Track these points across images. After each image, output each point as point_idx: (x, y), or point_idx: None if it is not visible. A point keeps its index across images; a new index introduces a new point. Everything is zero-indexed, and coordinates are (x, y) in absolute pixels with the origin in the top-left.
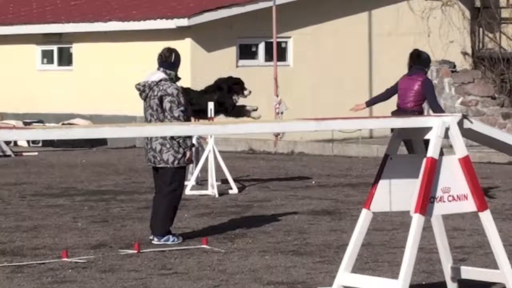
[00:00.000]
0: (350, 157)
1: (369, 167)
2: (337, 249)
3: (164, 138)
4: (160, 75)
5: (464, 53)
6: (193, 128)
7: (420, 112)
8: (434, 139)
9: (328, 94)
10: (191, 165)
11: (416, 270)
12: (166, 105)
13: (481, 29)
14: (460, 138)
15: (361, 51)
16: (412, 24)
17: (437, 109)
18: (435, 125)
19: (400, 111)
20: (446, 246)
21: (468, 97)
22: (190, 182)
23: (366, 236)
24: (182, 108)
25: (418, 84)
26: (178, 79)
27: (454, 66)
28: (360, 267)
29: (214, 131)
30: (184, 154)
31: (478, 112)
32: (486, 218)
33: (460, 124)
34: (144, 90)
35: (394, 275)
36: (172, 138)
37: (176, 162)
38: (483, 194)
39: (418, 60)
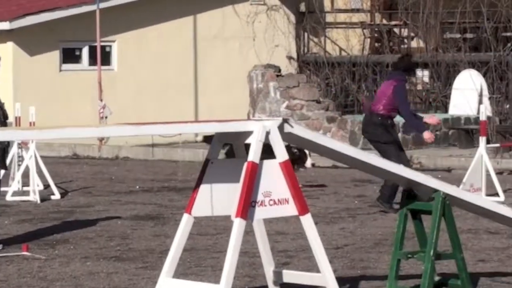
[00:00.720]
0: (175, 162)
1: (194, 172)
2: (160, 254)
3: None
4: None
5: (290, 57)
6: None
7: (387, 117)
8: (255, 143)
9: (153, 98)
10: (13, 171)
11: (239, 274)
12: None
13: (306, 34)
14: (281, 142)
15: (186, 55)
16: (237, 28)
17: (406, 114)
18: (255, 129)
19: (368, 114)
20: (268, 250)
21: (293, 101)
22: (11, 188)
23: (189, 241)
24: None
25: (391, 88)
26: None
27: (280, 70)
28: (183, 272)
29: (29, 136)
30: None
31: (303, 116)
32: (307, 222)
33: (280, 128)
34: None
35: (217, 279)
36: None
37: None
38: (304, 198)
39: (398, 65)
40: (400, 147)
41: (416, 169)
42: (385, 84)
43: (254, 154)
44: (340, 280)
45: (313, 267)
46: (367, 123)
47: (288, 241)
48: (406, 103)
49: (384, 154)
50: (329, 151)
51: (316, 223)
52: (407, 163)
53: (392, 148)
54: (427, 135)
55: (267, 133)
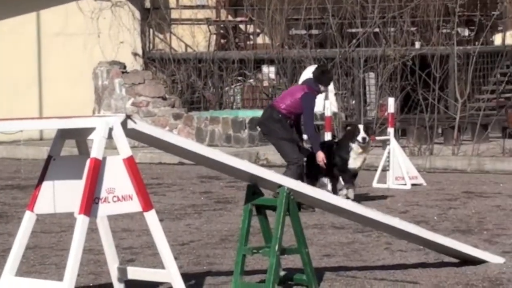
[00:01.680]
0: (19, 159)
1: (38, 169)
2: (3, 252)
3: None
4: None
5: (135, 54)
6: None
7: (287, 117)
8: (98, 139)
9: (1, 95)
10: None
11: (83, 271)
12: None
13: (151, 30)
14: (124, 138)
15: (29, 52)
16: (81, 25)
17: (309, 125)
18: (98, 126)
19: (269, 108)
20: (112, 247)
21: (139, 98)
22: None
23: (33, 238)
24: None
25: (301, 93)
26: None
27: (125, 67)
28: (27, 270)
29: None
30: None
31: (149, 113)
32: (151, 218)
33: (124, 124)
34: None
35: (61, 277)
36: None
37: None
38: (148, 194)
39: (319, 79)
40: (298, 146)
41: (263, 166)
42: (296, 87)
43: (97, 151)
44: (185, 276)
45: (158, 264)
46: (267, 117)
47: (133, 238)
48: (312, 114)
49: (279, 149)
50: (174, 147)
51: (161, 220)
52: (301, 160)
53: (288, 145)
54: (320, 156)
55: (110, 129)
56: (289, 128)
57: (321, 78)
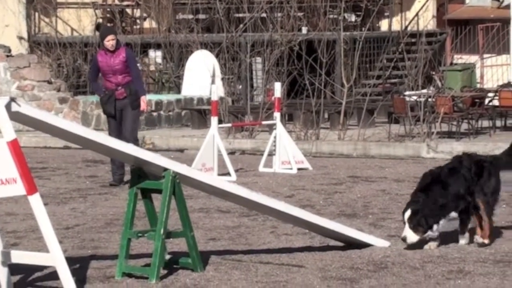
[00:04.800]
0: None
1: None
2: None
3: None
4: None
5: (20, 38)
6: None
7: None
8: None
9: None
10: None
11: None
12: None
13: (37, 14)
14: (8, 121)
15: None
16: None
17: None
18: None
19: None
20: None
21: (24, 82)
22: None
23: None
24: None
25: None
26: None
27: (10, 51)
28: None
29: None
30: None
31: (35, 97)
32: (36, 202)
33: (8, 107)
34: None
35: None
36: None
37: None
38: (32, 177)
39: None
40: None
41: (149, 150)
42: None
43: None
44: (70, 260)
45: (43, 248)
46: None
47: (17, 221)
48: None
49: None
50: (59, 130)
51: (46, 204)
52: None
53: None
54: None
55: None
56: None
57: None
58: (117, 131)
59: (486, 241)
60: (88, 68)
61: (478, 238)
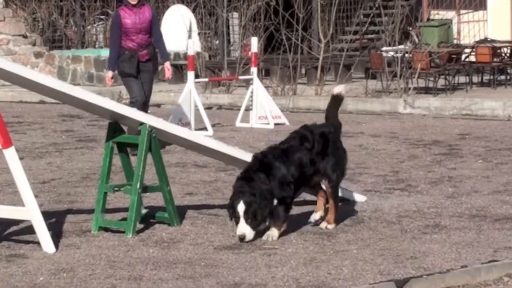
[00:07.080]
0: None
1: None
2: None
3: None
4: None
5: None
6: None
7: None
8: None
9: None
10: None
11: None
12: None
13: None
14: None
15: None
16: None
17: None
18: None
19: None
20: None
21: None
22: None
23: None
24: None
25: None
26: None
27: None
28: None
29: None
30: None
31: (10, 51)
32: (11, 156)
33: None
34: None
35: None
36: None
37: None
38: (7, 131)
39: None
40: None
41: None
42: None
43: None
44: (46, 214)
45: (18, 202)
46: None
47: None
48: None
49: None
50: (34, 84)
51: (21, 158)
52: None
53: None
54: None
55: None
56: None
57: None
58: (141, 91)
59: (332, 226)
60: (108, 30)
61: (322, 223)
